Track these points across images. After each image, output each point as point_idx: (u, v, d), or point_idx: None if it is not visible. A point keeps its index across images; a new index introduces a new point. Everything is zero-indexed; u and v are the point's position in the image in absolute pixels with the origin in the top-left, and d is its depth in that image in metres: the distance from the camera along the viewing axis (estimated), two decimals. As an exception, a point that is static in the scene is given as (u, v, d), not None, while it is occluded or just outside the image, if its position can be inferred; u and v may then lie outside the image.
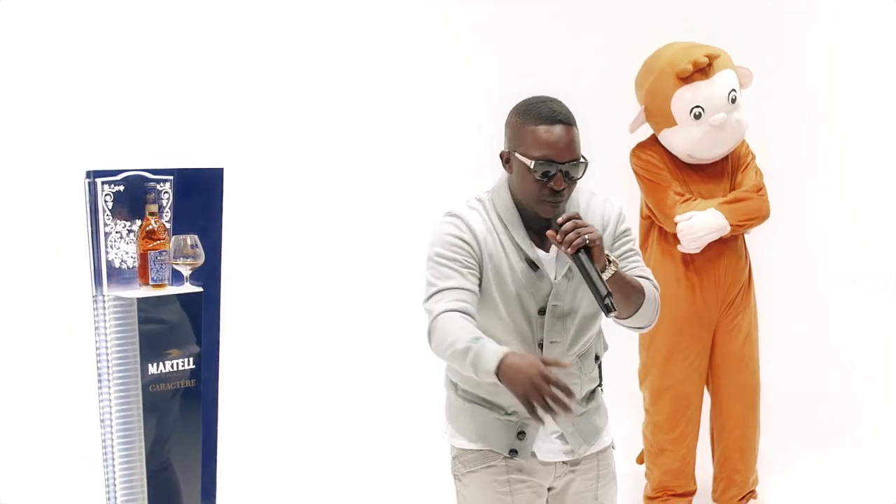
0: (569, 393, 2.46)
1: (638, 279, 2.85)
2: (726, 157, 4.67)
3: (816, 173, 5.92)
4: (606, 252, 2.73)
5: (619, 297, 2.72)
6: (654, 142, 4.70)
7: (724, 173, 4.68)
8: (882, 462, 5.36)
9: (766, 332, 4.91)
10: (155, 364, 3.54)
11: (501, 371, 2.49)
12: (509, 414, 2.89)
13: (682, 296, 4.60)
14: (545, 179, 2.71)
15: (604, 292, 2.61)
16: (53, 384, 4.71)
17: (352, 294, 5.60)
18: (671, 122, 4.56)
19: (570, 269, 2.82)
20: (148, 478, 3.58)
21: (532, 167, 2.71)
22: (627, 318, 2.85)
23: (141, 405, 3.54)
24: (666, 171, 4.59)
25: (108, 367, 3.55)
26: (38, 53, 4.72)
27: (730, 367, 4.71)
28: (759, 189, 4.61)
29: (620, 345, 4.49)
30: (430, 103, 5.74)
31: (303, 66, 5.47)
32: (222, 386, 3.84)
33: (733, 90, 4.55)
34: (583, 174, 2.76)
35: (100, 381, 3.57)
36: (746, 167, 4.67)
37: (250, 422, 5.13)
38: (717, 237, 4.52)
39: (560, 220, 2.68)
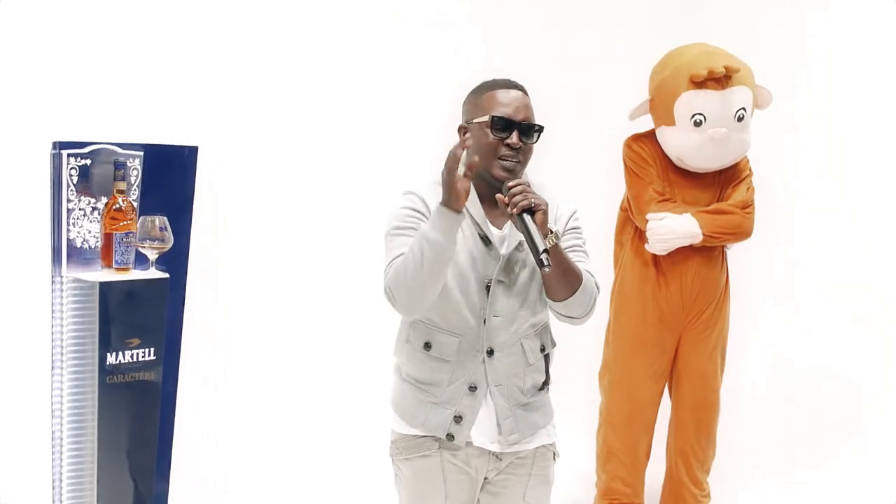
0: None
1: (577, 265, 2.95)
2: (721, 171, 4.59)
3: (809, 187, 5.91)
4: (550, 226, 2.82)
5: (556, 272, 2.82)
6: (650, 136, 4.63)
7: (715, 184, 4.60)
8: (850, 483, 5.33)
9: (739, 344, 4.90)
10: (114, 353, 3.38)
11: (442, 199, 2.76)
12: (442, 401, 3.00)
13: (647, 295, 4.57)
14: (503, 135, 2.90)
15: (541, 247, 2.72)
16: (2, 369, 4.54)
17: (326, 293, 5.53)
18: (670, 122, 4.48)
19: (519, 244, 2.95)
20: (98, 476, 3.41)
21: (489, 123, 2.90)
22: (563, 300, 2.92)
23: (96, 397, 3.37)
24: (653, 168, 4.54)
25: (62, 355, 3.40)
26: (8, 21, 4.57)
27: (691, 380, 4.67)
28: (746, 206, 4.53)
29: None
30: (408, 92, 5.72)
31: (285, 50, 5.39)
32: (182, 381, 3.70)
33: (743, 109, 4.45)
34: (537, 139, 2.95)
35: (53, 368, 3.41)
36: (739, 182, 4.59)
37: (209, 421, 4.98)
38: (688, 244, 4.45)
39: (510, 183, 2.82)
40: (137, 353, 3.42)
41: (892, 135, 5.76)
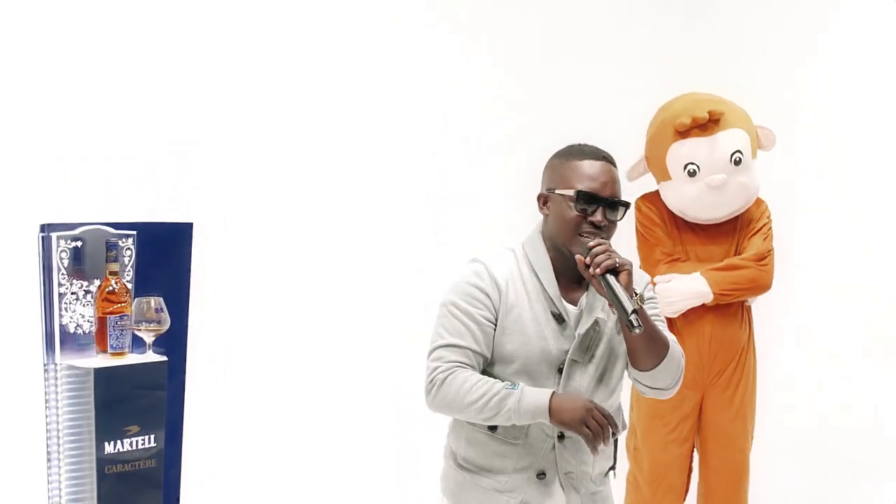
0: (614, 425, 2.69)
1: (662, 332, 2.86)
2: (735, 219, 4.51)
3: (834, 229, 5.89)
4: (634, 287, 2.74)
5: (643, 337, 2.73)
6: (659, 194, 4.57)
7: (730, 236, 4.52)
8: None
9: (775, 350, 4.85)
10: (112, 442, 3.28)
11: (552, 405, 2.65)
12: (507, 489, 2.86)
13: None
14: (586, 212, 2.78)
15: (629, 308, 2.62)
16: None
17: (338, 365, 5.38)
18: (667, 176, 4.44)
19: (595, 322, 2.83)
20: (101, 573, 3.30)
21: (574, 197, 2.78)
22: (650, 369, 2.82)
23: (95, 488, 3.27)
24: (660, 230, 4.47)
25: (58, 445, 3.30)
26: None
27: (718, 441, 4.56)
28: (762, 258, 4.44)
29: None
30: (407, 94, 5.61)
31: (276, 80, 5.27)
32: (186, 466, 3.61)
33: (738, 151, 4.37)
34: (622, 217, 2.85)
35: (49, 460, 3.31)
36: (756, 232, 4.51)
37: None
38: (699, 304, 4.36)
39: (591, 243, 2.73)
40: (137, 441, 3.33)
41: (892, 135, 5.70)
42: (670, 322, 4.38)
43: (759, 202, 4.54)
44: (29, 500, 4.02)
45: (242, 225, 5.08)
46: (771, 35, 5.92)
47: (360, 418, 5.38)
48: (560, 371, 2.81)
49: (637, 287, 2.84)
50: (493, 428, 2.83)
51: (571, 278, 2.84)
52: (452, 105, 5.68)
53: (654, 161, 4.47)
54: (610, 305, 2.72)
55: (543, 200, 2.89)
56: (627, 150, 4.62)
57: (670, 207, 4.46)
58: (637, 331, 2.60)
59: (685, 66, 5.21)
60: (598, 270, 2.65)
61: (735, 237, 4.50)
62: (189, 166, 4.83)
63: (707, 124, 4.31)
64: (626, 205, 2.84)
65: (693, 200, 4.37)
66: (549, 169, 2.90)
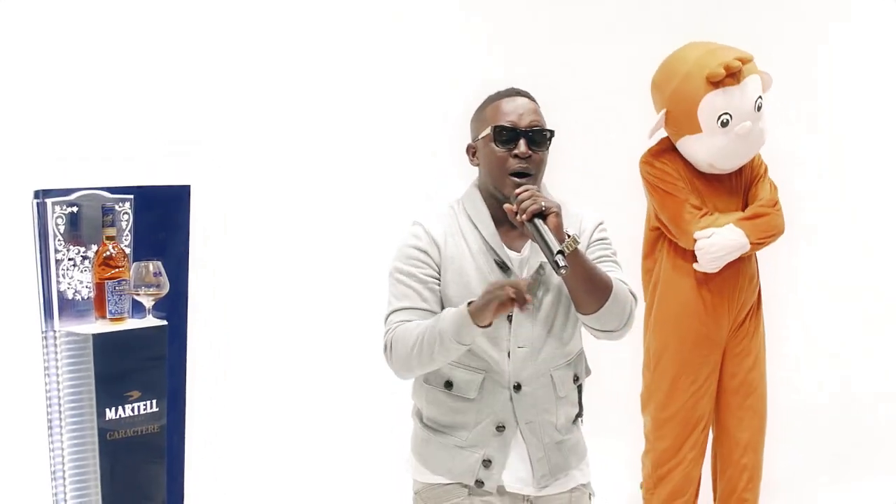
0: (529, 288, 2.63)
1: (605, 272, 2.76)
2: (741, 168, 4.50)
3: (825, 185, 5.94)
4: (566, 230, 2.66)
5: (578, 281, 2.68)
6: (667, 149, 4.49)
7: (737, 186, 4.51)
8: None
9: (775, 350, 4.81)
10: (113, 408, 3.26)
11: (471, 307, 2.58)
12: (469, 445, 2.84)
13: (693, 314, 4.43)
14: (509, 147, 2.77)
15: (555, 248, 2.54)
16: (-2, 431, 4.45)
17: (335, 325, 5.43)
18: (695, 129, 4.33)
19: (541, 266, 2.79)
20: (105, 539, 3.28)
21: (493, 135, 2.78)
22: (593, 312, 2.72)
23: (97, 455, 3.26)
24: (682, 182, 4.42)
25: (59, 413, 3.28)
26: None
27: (739, 392, 4.56)
28: (775, 203, 4.45)
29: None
30: (408, 94, 5.67)
31: (276, 80, 5.34)
32: (189, 431, 3.61)
33: (760, 97, 4.36)
34: (548, 145, 2.81)
35: (50, 428, 3.29)
36: (760, 180, 4.51)
37: (220, 473, 4.85)
38: (738, 255, 4.35)
39: (518, 191, 2.67)
40: (138, 407, 3.31)
41: (892, 135, 5.74)
42: (698, 279, 4.40)
43: None
44: (31, 470, 4.03)
45: (240, 190, 5.16)
46: (771, 36, 5.86)
47: (360, 384, 5.39)
48: (509, 319, 2.76)
49: (586, 228, 2.86)
50: (448, 385, 2.81)
51: (513, 226, 2.77)
52: (452, 105, 5.66)
53: (681, 115, 4.37)
54: (541, 250, 2.65)
55: (472, 152, 2.88)
56: (629, 149, 4.63)
57: (694, 160, 4.41)
58: (563, 272, 2.53)
59: (665, 43, 5.22)
60: (524, 217, 2.61)
61: (741, 185, 4.50)
62: (191, 161, 4.84)
63: (736, 72, 4.28)
64: (551, 133, 2.79)
65: (724, 151, 4.33)
66: (473, 121, 2.90)
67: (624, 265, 2.90)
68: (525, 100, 2.83)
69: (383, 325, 2.80)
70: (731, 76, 4.26)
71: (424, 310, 2.77)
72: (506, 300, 2.53)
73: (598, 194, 5.38)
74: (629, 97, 5.44)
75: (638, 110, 4.76)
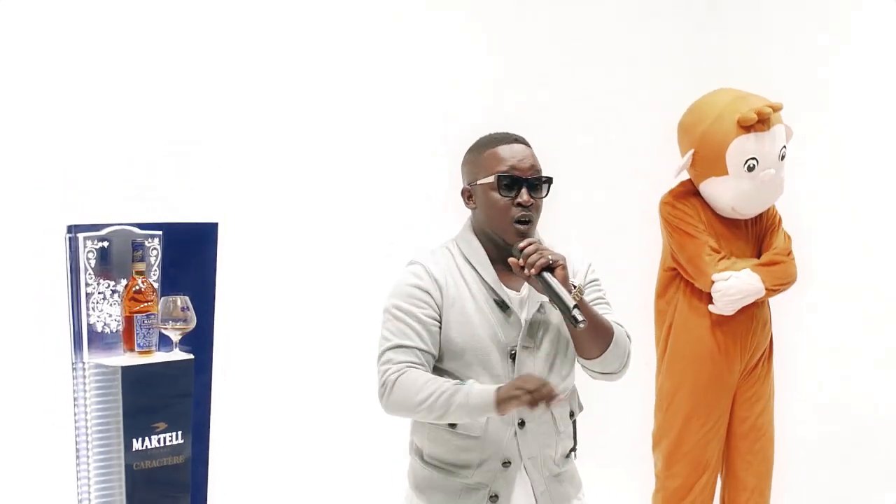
0: (549, 391, 2.61)
1: (604, 316, 2.85)
2: (759, 217, 4.55)
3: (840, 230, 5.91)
4: (572, 280, 2.75)
5: (587, 331, 2.73)
6: (689, 192, 4.54)
7: (751, 233, 4.55)
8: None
9: (783, 395, 4.82)
10: (140, 439, 3.30)
11: (499, 396, 2.61)
12: (475, 482, 2.88)
13: (707, 356, 4.45)
14: (511, 195, 2.80)
15: (570, 304, 2.62)
16: (27, 459, 4.46)
17: (359, 363, 5.28)
18: (721, 171, 4.38)
19: (541, 306, 2.85)
20: (131, 568, 3.31)
21: (496, 183, 2.80)
22: (597, 357, 2.83)
23: (123, 484, 3.29)
24: (703, 225, 4.45)
25: (87, 442, 3.32)
26: (13, 93, 4.55)
27: (749, 436, 4.57)
28: (789, 253, 4.50)
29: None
30: (409, 97, 5.66)
31: (297, 118, 5.34)
32: (213, 463, 3.64)
33: (784, 146, 4.42)
34: (547, 192, 2.86)
35: (78, 457, 3.33)
36: (776, 230, 4.56)
37: None
38: (753, 300, 4.39)
39: (521, 244, 2.73)
40: (164, 438, 3.35)
41: (892, 135, 5.71)
42: (713, 321, 4.43)
43: None
44: (58, 497, 4.04)
45: (267, 227, 5.17)
46: (770, 37, 5.93)
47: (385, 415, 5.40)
48: (512, 358, 2.82)
49: (578, 271, 2.92)
50: (452, 424, 2.84)
51: (509, 266, 2.81)
52: (452, 105, 5.68)
53: (710, 156, 4.40)
54: (551, 301, 2.73)
55: (468, 195, 2.91)
56: (630, 148, 4.64)
57: (717, 203, 4.44)
58: (581, 326, 2.61)
59: (684, 70, 5.22)
60: (532, 271, 2.67)
61: (757, 232, 4.54)
62: (204, 166, 4.93)
63: (766, 119, 4.34)
64: (549, 180, 2.85)
65: (748, 195, 4.38)
66: (468, 163, 2.92)
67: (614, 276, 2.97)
68: (522, 146, 2.87)
69: (378, 361, 2.81)
70: (762, 122, 4.31)
71: (424, 350, 2.80)
72: (533, 403, 2.59)
73: (598, 193, 5.40)
74: (629, 97, 5.49)
75: (637, 110, 4.76)
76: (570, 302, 2.62)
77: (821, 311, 5.83)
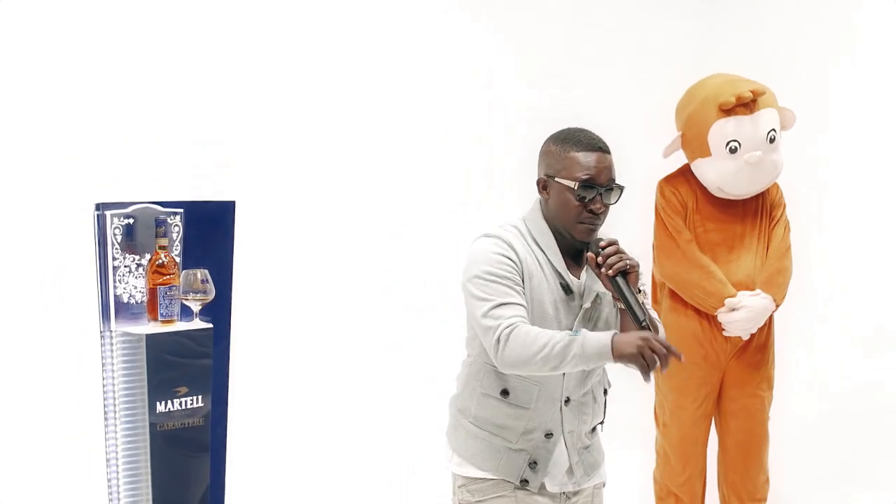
0: (674, 354, 2.67)
1: (653, 314, 2.95)
2: (758, 198, 4.60)
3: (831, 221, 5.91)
4: (641, 286, 2.88)
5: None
6: (683, 174, 4.64)
7: (749, 213, 4.59)
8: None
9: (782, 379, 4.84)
10: (163, 402, 3.44)
11: (614, 344, 2.66)
12: (517, 448, 2.98)
13: (693, 338, 4.55)
14: (585, 201, 2.85)
15: (641, 316, 2.74)
16: (59, 421, 4.62)
17: (367, 331, 5.51)
18: (706, 153, 4.48)
19: (597, 296, 2.94)
20: (154, 516, 3.46)
21: (575, 188, 2.85)
22: None
23: (148, 444, 3.44)
24: (680, 217, 4.54)
25: (114, 405, 3.46)
26: (45, 81, 4.66)
27: (738, 416, 4.64)
28: (788, 248, 4.57)
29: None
30: (411, 98, 5.71)
31: (316, 99, 5.41)
32: (231, 425, 3.75)
33: (773, 130, 4.47)
34: (617, 200, 2.92)
35: (106, 418, 3.47)
36: (777, 221, 4.60)
37: (259, 465, 5.01)
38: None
39: (603, 243, 2.84)
40: (186, 401, 3.47)
41: (892, 135, 5.71)
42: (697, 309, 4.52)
43: (775, 185, 4.64)
44: (88, 457, 4.22)
45: (283, 204, 5.26)
46: (770, 37, 5.94)
47: (397, 383, 5.50)
48: None
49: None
50: (505, 393, 2.94)
51: (572, 254, 2.93)
52: (453, 105, 5.74)
53: (694, 138, 4.51)
54: (615, 298, 2.88)
55: (543, 185, 2.94)
56: (634, 145, 4.65)
57: (706, 183, 4.53)
58: (647, 328, 2.73)
59: (683, 66, 5.23)
60: (610, 272, 2.78)
61: (757, 219, 4.58)
62: (217, 158, 5.02)
63: (749, 103, 4.40)
64: (621, 188, 2.90)
65: (732, 176, 4.44)
66: (548, 155, 2.94)
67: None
68: (604, 155, 2.89)
69: (484, 317, 2.79)
70: (743, 106, 4.39)
71: (526, 307, 2.84)
72: (645, 366, 2.65)
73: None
74: (639, 90, 5.50)
75: (647, 103, 4.80)
76: (641, 315, 2.74)
77: (821, 310, 5.86)
